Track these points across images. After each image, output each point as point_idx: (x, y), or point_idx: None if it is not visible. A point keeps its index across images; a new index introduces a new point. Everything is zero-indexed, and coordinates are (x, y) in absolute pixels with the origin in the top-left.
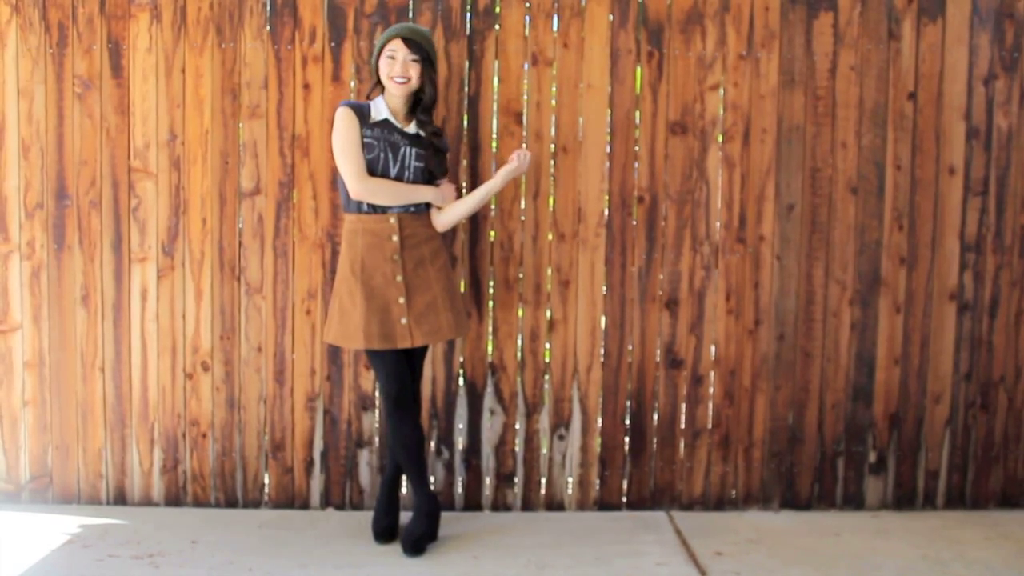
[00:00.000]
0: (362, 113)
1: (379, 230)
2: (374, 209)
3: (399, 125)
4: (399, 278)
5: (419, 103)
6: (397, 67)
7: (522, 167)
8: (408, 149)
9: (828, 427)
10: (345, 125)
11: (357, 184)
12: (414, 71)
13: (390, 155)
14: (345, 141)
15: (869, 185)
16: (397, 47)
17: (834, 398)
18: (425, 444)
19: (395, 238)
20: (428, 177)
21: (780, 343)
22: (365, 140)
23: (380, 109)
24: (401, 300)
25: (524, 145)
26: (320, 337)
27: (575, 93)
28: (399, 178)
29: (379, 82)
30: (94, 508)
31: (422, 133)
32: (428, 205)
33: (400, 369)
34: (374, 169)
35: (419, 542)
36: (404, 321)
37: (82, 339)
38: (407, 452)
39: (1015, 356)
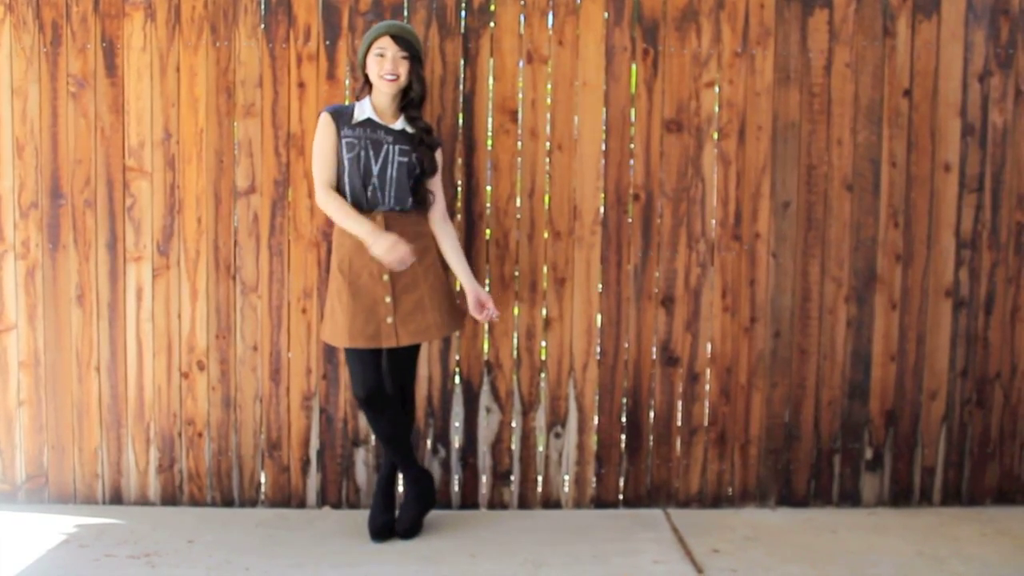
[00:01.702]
0: (343, 116)
1: None
2: (360, 208)
3: (383, 123)
4: (385, 277)
5: (408, 100)
6: (387, 64)
7: (485, 316)
8: (391, 147)
9: (824, 424)
10: (320, 134)
11: (319, 194)
12: (403, 68)
13: (371, 153)
14: (317, 150)
15: (864, 182)
16: (386, 44)
17: (830, 395)
18: (409, 428)
19: None
20: (417, 175)
21: (776, 340)
22: (345, 140)
23: (364, 109)
24: (388, 299)
25: (520, 144)
26: (316, 336)
27: (570, 91)
28: (382, 175)
29: (367, 81)
30: (90, 508)
31: (409, 129)
32: (417, 203)
33: (372, 373)
34: (356, 167)
35: (412, 525)
36: (390, 320)
37: (77, 339)
38: (389, 442)
39: (1011, 353)
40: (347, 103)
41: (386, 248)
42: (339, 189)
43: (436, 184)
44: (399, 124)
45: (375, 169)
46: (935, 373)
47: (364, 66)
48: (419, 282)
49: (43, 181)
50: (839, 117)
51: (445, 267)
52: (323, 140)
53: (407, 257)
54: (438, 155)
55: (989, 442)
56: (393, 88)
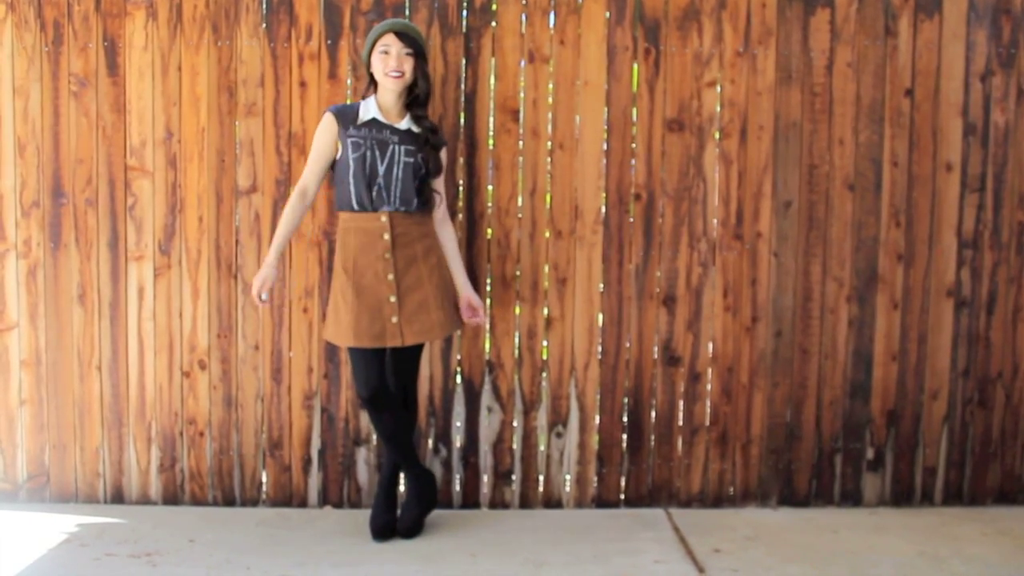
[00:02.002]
0: (347, 116)
1: (371, 228)
2: (364, 208)
3: (388, 122)
4: (390, 277)
5: (413, 98)
6: (392, 61)
7: (473, 322)
8: (397, 147)
9: (826, 424)
10: (318, 132)
11: (294, 192)
12: (408, 65)
13: (377, 153)
14: (312, 148)
15: (866, 182)
16: (391, 41)
17: (832, 395)
18: (411, 427)
19: (386, 236)
20: (423, 174)
21: (778, 340)
22: (351, 140)
23: (369, 108)
24: (392, 299)
25: (521, 143)
26: (317, 335)
27: (572, 90)
28: (387, 175)
29: (372, 80)
30: (91, 507)
31: (415, 128)
32: (422, 204)
33: (376, 372)
34: (361, 167)
35: (414, 525)
36: (395, 320)
37: (79, 338)
38: (391, 441)
39: (1012, 352)
40: (350, 102)
41: (256, 277)
42: (343, 188)
43: (439, 184)
44: (405, 123)
45: (381, 170)
46: (937, 373)
47: (368, 65)
48: (423, 282)
49: (45, 180)
50: (841, 117)
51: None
52: (318, 140)
53: (255, 298)
54: (443, 154)
55: (991, 442)
56: (398, 85)
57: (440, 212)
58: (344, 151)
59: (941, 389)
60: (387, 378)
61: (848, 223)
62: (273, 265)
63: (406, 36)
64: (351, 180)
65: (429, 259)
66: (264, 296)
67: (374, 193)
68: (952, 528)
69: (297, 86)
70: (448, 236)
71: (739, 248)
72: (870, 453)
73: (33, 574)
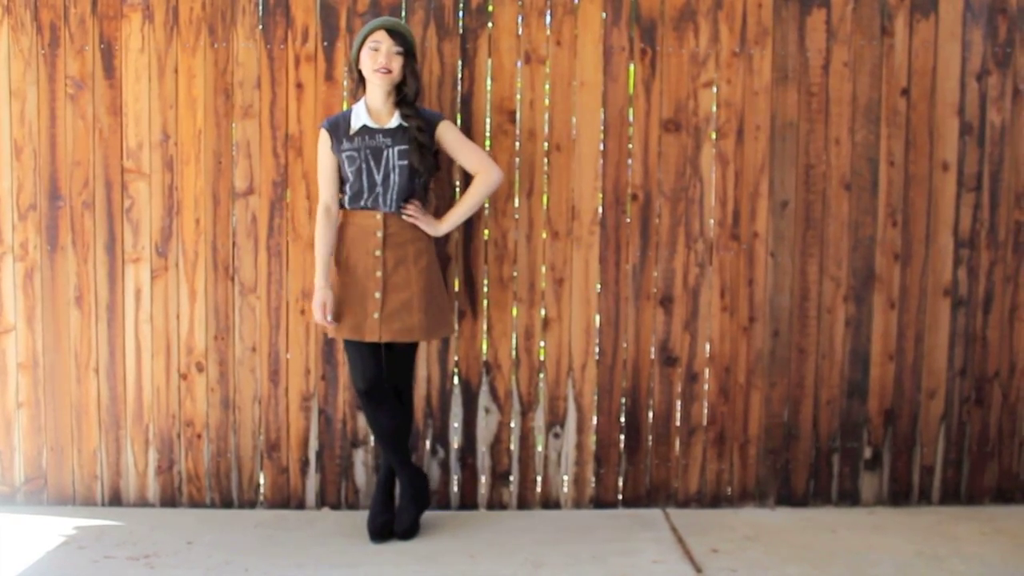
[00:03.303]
0: (339, 129)
1: (365, 225)
2: (361, 205)
3: (379, 126)
4: (378, 274)
5: (401, 97)
6: (381, 58)
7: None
8: (391, 150)
9: (823, 423)
10: (319, 152)
11: (318, 213)
12: (396, 63)
13: (372, 163)
14: (319, 167)
15: (863, 181)
16: (381, 38)
17: (829, 394)
18: (407, 427)
19: (379, 234)
20: (416, 176)
21: (775, 340)
22: (346, 155)
23: (359, 115)
24: (377, 295)
25: (518, 144)
26: (315, 337)
27: (568, 91)
28: (385, 181)
29: (361, 80)
30: (89, 509)
31: (405, 124)
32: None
33: (371, 364)
34: (359, 178)
35: (411, 525)
36: (376, 316)
37: (76, 340)
38: (384, 438)
39: (1009, 351)
40: (345, 107)
41: (314, 304)
42: (342, 193)
43: (466, 158)
44: (394, 121)
45: (378, 178)
46: (934, 372)
47: (358, 61)
48: (410, 283)
49: (41, 183)
50: (837, 116)
51: (444, 271)
52: (320, 158)
53: (323, 321)
54: (443, 128)
55: (988, 441)
56: (385, 82)
57: (482, 169)
58: (341, 164)
59: (938, 388)
60: (384, 373)
61: (845, 223)
62: (324, 287)
63: (397, 34)
64: (348, 190)
65: (419, 262)
66: (329, 318)
67: (370, 198)
68: (950, 527)
69: (294, 88)
70: (475, 181)
71: (736, 248)
72: (868, 452)
73: None
